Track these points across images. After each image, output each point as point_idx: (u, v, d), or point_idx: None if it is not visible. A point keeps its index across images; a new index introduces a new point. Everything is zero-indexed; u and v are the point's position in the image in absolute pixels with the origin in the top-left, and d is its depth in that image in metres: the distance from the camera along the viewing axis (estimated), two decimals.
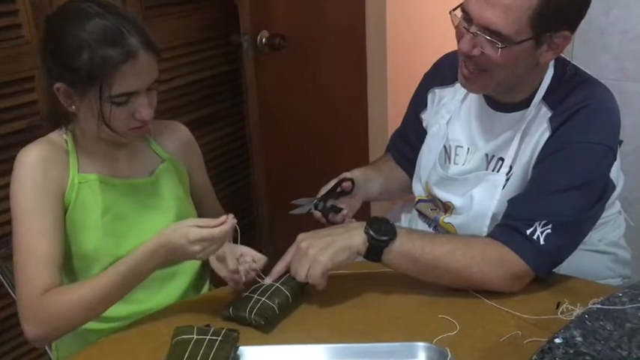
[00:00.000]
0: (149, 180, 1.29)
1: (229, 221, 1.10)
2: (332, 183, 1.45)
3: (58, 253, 1.16)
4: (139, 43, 1.12)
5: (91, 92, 1.12)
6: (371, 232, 1.20)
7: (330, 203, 1.41)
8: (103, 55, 1.09)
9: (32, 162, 1.17)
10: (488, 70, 1.23)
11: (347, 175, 1.47)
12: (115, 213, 1.23)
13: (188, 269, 1.36)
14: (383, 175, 1.57)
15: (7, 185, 1.69)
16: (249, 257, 1.23)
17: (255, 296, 1.19)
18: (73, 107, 1.17)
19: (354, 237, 1.21)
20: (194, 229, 1.09)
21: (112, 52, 1.09)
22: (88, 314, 1.15)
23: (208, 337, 1.07)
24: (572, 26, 1.22)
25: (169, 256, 1.13)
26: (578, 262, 1.30)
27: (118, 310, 1.26)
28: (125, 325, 1.21)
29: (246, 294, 1.20)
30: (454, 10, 1.23)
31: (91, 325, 1.25)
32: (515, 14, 1.15)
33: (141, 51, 1.12)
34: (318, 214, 1.39)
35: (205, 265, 1.40)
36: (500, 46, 1.17)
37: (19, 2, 1.68)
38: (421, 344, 1.05)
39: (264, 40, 2.25)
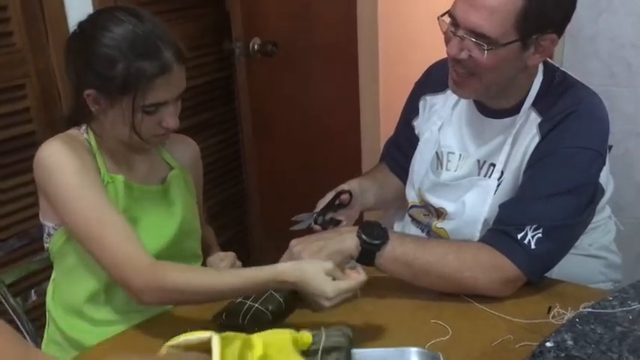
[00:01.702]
0: (162, 188, 1.31)
1: (362, 272, 1.09)
2: (330, 196, 1.45)
3: (126, 221, 1.16)
4: (173, 56, 1.13)
5: (123, 101, 1.14)
6: (363, 236, 1.21)
7: (329, 216, 1.41)
8: (139, 67, 1.11)
9: (63, 149, 1.16)
10: (476, 74, 1.24)
11: (344, 187, 1.48)
12: (129, 217, 1.23)
13: None
14: (378, 185, 1.57)
15: (4, 191, 1.71)
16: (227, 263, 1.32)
17: (249, 302, 1.19)
18: (101, 113, 1.18)
19: (346, 241, 1.22)
20: (332, 285, 1.05)
21: (148, 65, 1.11)
22: (194, 300, 1.15)
23: None
24: (559, 29, 1.23)
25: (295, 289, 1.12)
26: (569, 267, 1.31)
27: (113, 314, 1.27)
28: (120, 331, 1.22)
29: (239, 300, 1.20)
30: (442, 16, 1.25)
31: (83, 327, 1.27)
32: (500, 17, 1.16)
33: (175, 65, 1.14)
34: (317, 228, 1.39)
35: None
36: (486, 48, 1.18)
37: (10, 10, 1.68)
38: (414, 349, 1.05)
39: (256, 46, 2.26)
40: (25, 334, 1.41)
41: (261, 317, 1.17)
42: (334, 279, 1.06)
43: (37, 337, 1.40)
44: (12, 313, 1.41)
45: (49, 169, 1.15)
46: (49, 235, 1.26)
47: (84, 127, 1.23)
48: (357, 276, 1.08)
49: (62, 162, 1.15)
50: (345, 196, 1.46)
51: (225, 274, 1.16)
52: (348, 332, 1.04)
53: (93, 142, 1.22)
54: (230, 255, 1.35)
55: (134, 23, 1.13)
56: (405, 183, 1.56)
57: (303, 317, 1.21)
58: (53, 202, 1.17)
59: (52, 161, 1.15)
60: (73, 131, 1.23)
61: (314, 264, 1.08)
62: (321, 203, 1.44)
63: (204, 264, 1.39)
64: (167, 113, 1.17)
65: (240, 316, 1.17)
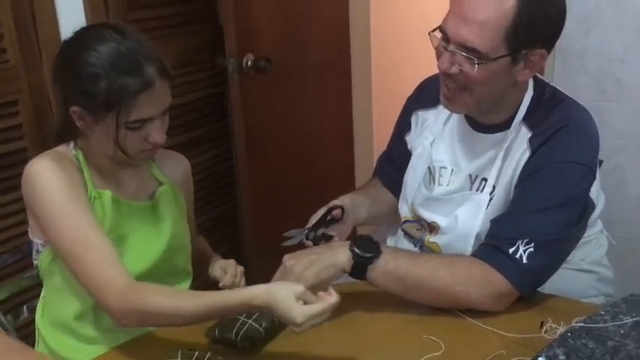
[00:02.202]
0: (150, 204, 1.31)
1: (334, 294, 1.06)
2: (322, 211, 1.45)
3: (110, 242, 1.15)
4: (155, 72, 1.14)
5: (108, 117, 1.14)
6: (356, 250, 1.21)
7: (320, 232, 1.41)
8: (121, 84, 1.11)
9: (51, 166, 1.16)
10: (467, 88, 1.25)
11: (336, 202, 1.48)
12: (118, 233, 1.23)
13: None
14: (370, 200, 1.58)
15: None
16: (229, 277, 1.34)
17: (242, 318, 1.18)
18: (87, 129, 1.18)
19: (338, 254, 1.22)
20: (301, 309, 1.02)
21: (130, 81, 1.11)
22: (170, 322, 1.13)
23: None
24: (548, 44, 1.25)
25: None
26: (561, 281, 1.31)
27: (102, 332, 1.26)
28: (113, 346, 1.22)
29: (232, 316, 1.20)
30: (433, 31, 1.26)
31: (72, 344, 1.26)
32: (490, 31, 1.18)
33: (157, 80, 1.14)
34: (309, 243, 1.38)
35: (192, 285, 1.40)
36: (477, 62, 1.19)
37: (4, 26, 1.69)
38: None
39: (249, 62, 2.27)
40: None
41: (254, 334, 1.17)
42: (306, 303, 1.03)
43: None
44: (2, 330, 1.40)
45: (37, 185, 1.15)
46: (38, 252, 1.26)
47: (72, 143, 1.24)
48: (329, 298, 1.04)
49: (49, 179, 1.15)
50: (336, 212, 1.46)
51: (198, 296, 1.13)
52: None
53: (81, 158, 1.23)
54: (231, 263, 1.35)
55: (118, 41, 1.13)
56: (398, 198, 1.56)
57: (295, 336, 1.19)
58: (40, 219, 1.17)
59: (39, 178, 1.15)
60: (61, 148, 1.24)
61: (285, 288, 1.05)
62: (313, 219, 1.44)
63: (196, 278, 1.38)
64: (153, 129, 1.17)
65: (233, 332, 1.16)
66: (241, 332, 1.16)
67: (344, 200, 1.50)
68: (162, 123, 1.19)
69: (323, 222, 1.43)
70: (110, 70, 1.12)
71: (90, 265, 1.12)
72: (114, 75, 1.12)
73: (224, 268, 1.35)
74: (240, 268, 1.35)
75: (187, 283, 1.37)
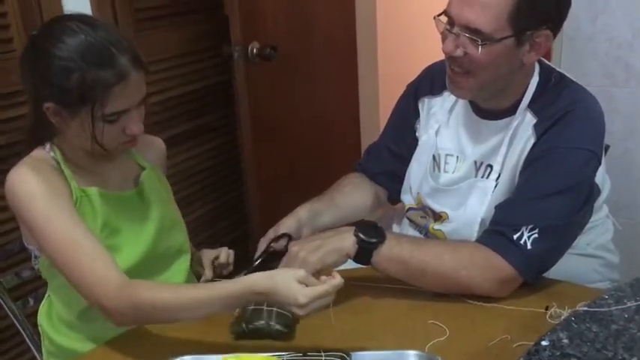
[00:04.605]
0: (136, 191, 1.30)
1: (338, 277, 1.05)
2: (263, 244, 1.35)
3: (98, 241, 1.14)
4: (129, 62, 1.11)
5: (83, 112, 1.12)
6: (360, 235, 1.22)
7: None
8: (94, 77, 1.09)
9: (31, 175, 1.14)
10: (471, 72, 1.25)
11: (281, 229, 1.37)
12: (111, 227, 1.23)
13: (176, 276, 1.35)
14: (335, 206, 1.48)
15: (3, 196, 1.71)
16: (224, 255, 1.38)
17: (265, 307, 1.16)
18: (63, 125, 1.16)
19: (343, 239, 1.22)
20: (304, 290, 1.01)
21: (103, 73, 1.09)
22: (169, 317, 1.11)
23: None
24: (554, 26, 1.24)
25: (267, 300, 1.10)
26: (566, 266, 1.31)
27: (108, 328, 1.23)
28: (120, 335, 1.21)
29: (252, 307, 1.18)
30: (438, 15, 1.26)
31: (79, 338, 1.28)
32: (493, 12, 1.18)
33: (132, 71, 1.12)
34: None
35: (193, 275, 1.40)
36: (480, 43, 1.19)
37: (10, 16, 1.70)
38: (412, 352, 1.05)
39: (255, 50, 2.26)
40: (25, 337, 1.42)
41: (285, 317, 1.16)
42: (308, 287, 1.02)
43: (34, 335, 1.41)
44: (12, 317, 1.42)
45: (19, 196, 1.14)
46: (36, 257, 1.25)
47: (48, 145, 1.21)
48: (332, 281, 1.03)
49: (30, 188, 1.13)
50: (277, 245, 1.33)
51: (198, 288, 1.13)
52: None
53: (59, 159, 1.20)
54: (223, 250, 1.37)
55: (87, 32, 1.11)
56: (389, 189, 1.55)
57: (299, 322, 1.19)
58: (28, 228, 1.16)
59: (20, 188, 1.14)
60: (37, 152, 1.21)
61: (285, 272, 1.05)
62: (262, 244, 1.36)
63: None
64: (130, 120, 1.15)
65: (264, 319, 1.16)
66: (273, 318, 1.15)
67: (300, 213, 1.41)
68: (139, 113, 1.17)
69: (261, 264, 1.29)
70: (82, 63, 1.09)
71: (82, 267, 1.11)
72: (86, 67, 1.09)
73: (199, 262, 1.37)
74: (230, 252, 1.37)
75: (186, 258, 1.36)
